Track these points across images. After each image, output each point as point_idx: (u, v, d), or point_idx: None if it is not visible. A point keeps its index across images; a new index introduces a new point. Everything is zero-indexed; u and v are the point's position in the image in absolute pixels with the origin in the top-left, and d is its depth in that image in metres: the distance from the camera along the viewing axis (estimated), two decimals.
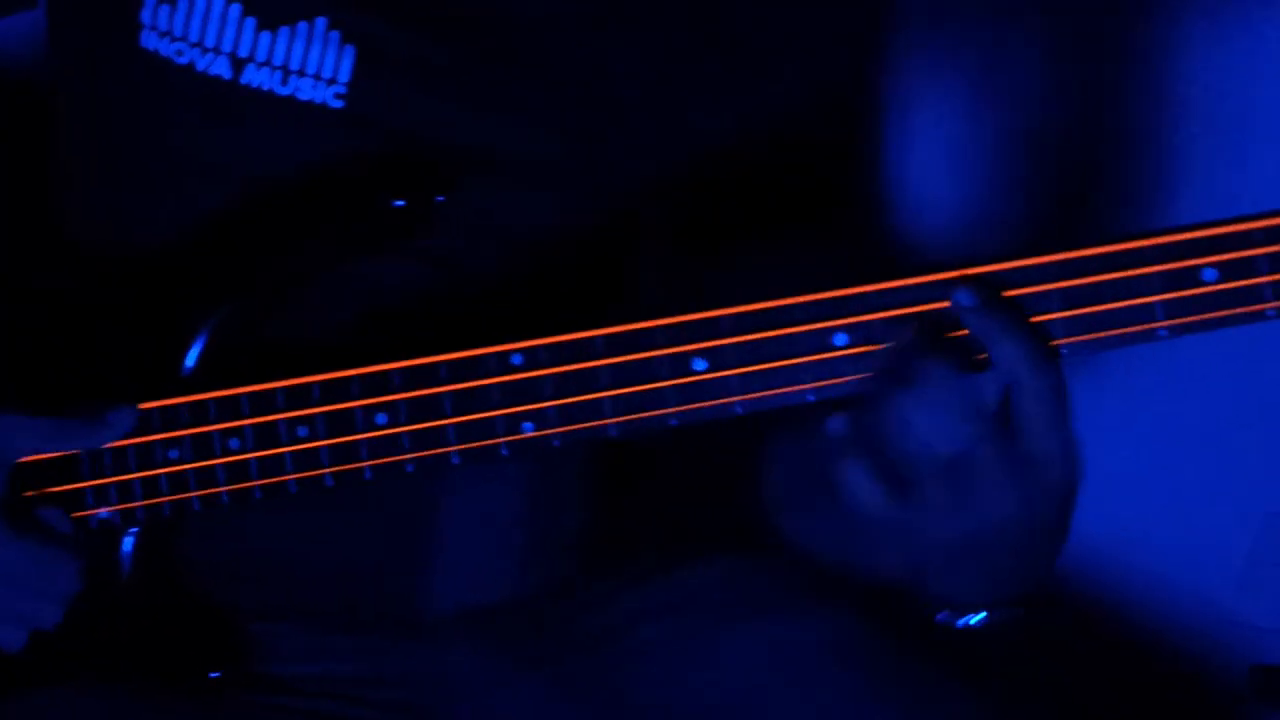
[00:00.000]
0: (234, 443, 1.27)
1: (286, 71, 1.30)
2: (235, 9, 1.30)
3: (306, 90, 1.31)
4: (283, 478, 1.27)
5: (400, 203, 1.29)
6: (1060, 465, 1.16)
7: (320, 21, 1.30)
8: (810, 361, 1.20)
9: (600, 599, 1.43)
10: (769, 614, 1.39)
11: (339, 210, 1.29)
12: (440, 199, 1.29)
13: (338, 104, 1.31)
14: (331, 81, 1.31)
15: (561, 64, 1.33)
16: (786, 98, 1.36)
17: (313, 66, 1.31)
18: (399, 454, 1.26)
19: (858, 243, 1.44)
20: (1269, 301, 1.13)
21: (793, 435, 1.30)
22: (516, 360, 1.24)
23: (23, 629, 1.28)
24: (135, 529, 1.30)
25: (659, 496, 1.54)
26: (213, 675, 1.32)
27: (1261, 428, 1.85)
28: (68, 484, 1.29)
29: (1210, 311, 1.14)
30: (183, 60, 1.31)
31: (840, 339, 1.20)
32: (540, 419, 1.24)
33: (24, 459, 1.27)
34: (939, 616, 1.26)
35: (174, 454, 1.28)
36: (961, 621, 1.26)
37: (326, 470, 1.27)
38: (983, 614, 1.25)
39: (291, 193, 1.30)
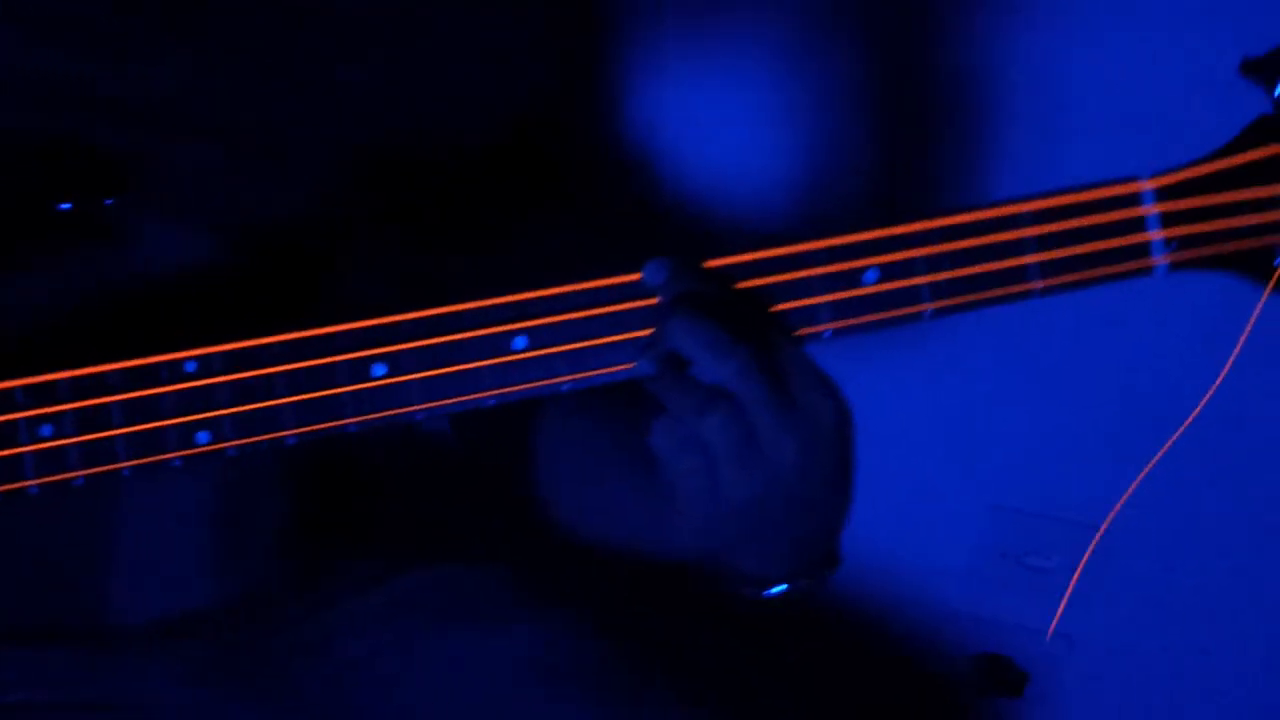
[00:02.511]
0: None
1: None
2: None
3: None
4: None
5: (67, 206, 1.22)
6: (824, 413, 1.14)
7: None
8: (489, 365, 1.16)
9: (311, 608, 1.38)
10: (479, 624, 1.36)
11: None
12: (109, 201, 1.23)
13: None
14: None
15: (236, 39, 1.27)
16: (488, 75, 1.33)
17: None
18: (65, 470, 1.19)
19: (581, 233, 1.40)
20: (927, 303, 1.12)
21: (574, 415, 1.27)
22: (190, 367, 1.18)
23: None
24: None
25: (370, 490, 1.49)
26: None
27: (986, 421, 1.85)
28: None
29: (872, 313, 1.13)
30: None
31: (519, 342, 1.16)
32: (216, 429, 1.19)
33: None
34: (739, 591, 1.24)
35: None
36: (762, 594, 1.24)
37: None
38: (782, 586, 1.23)
39: None
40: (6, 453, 1.19)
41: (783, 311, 1.13)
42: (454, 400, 1.17)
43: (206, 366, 1.18)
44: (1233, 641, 1.90)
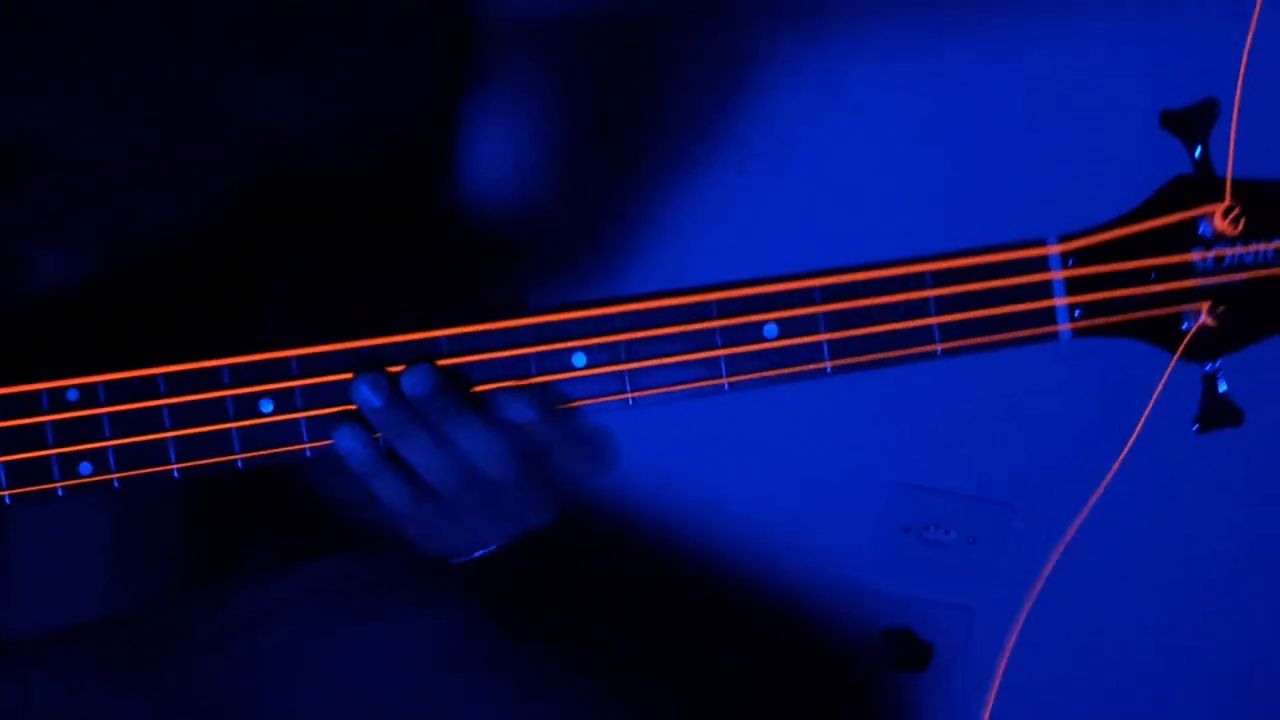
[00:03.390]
0: None
1: None
2: None
3: None
4: None
5: None
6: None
7: None
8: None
9: (211, 603, 1.36)
10: (381, 614, 1.34)
11: None
12: None
13: None
14: None
15: (123, 61, 1.23)
16: (363, 99, 1.29)
17: None
18: None
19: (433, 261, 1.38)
20: (824, 361, 1.11)
21: None
22: (72, 396, 1.15)
23: None
24: None
25: (262, 484, 1.47)
26: None
27: (890, 398, 1.84)
28: None
29: (771, 369, 1.11)
30: None
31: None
32: (98, 460, 1.16)
33: None
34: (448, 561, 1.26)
35: None
36: (464, 559, 1.25)
37: None
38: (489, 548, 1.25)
39: None
40: None
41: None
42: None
43: (90, 396, 1.15)
44: (1138, 612, 1.91)
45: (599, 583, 1.78)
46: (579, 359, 1.13)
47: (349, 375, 1.13)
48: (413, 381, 1.12)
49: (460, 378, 1.13)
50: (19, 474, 1.16)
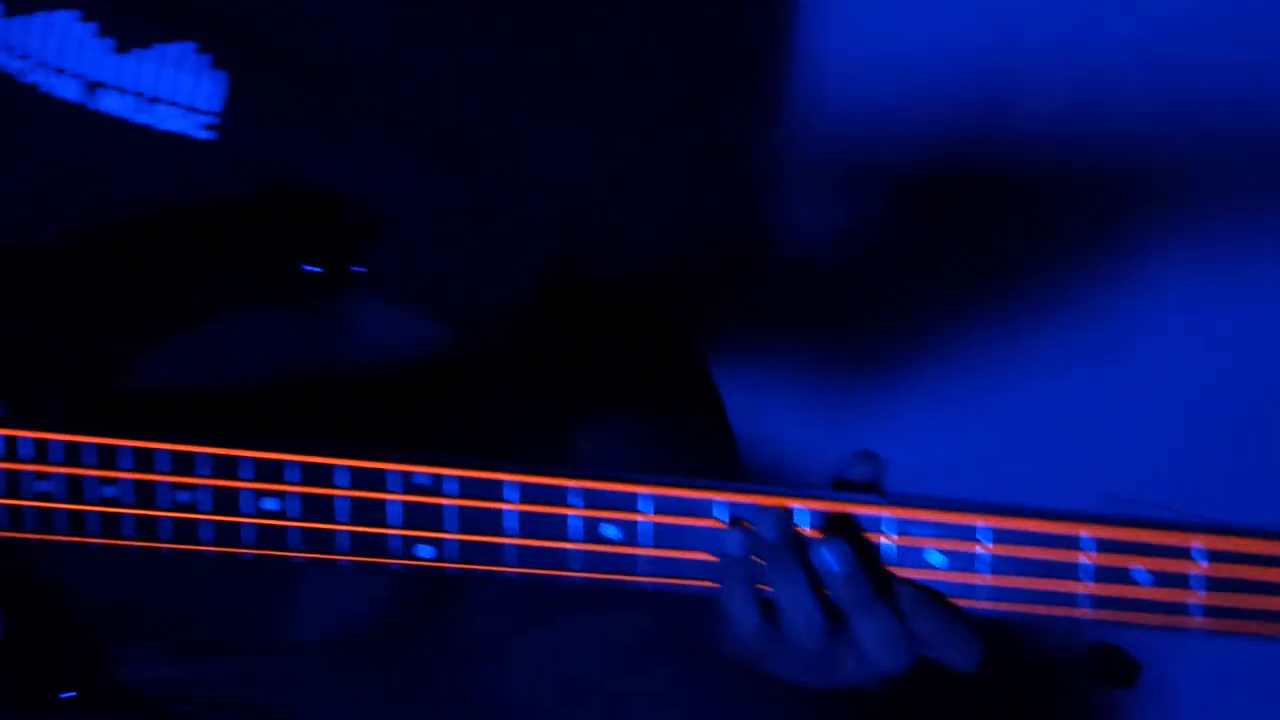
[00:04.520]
0: (109, 491, 1.19)
1: (146, 99, 1.17)
2: (91, 28, 1.15)
3: (167, 119, 1.17)
4: (158, 544, 1.19)
5: (313, 269, 1.17)
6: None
7: (189, 46, 1.16)
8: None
9: (440, 597, 1.37)
10: (604, 605, 1.33)
11: (232, 261, 1.17)
12: (360, 270, 1.17)
13: (205, 135, 1.18)
14: (199, 111, 1.17)
15: (446, 103, 1.20)
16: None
17: (177, 94, 1.17)
18: (286, 549, 1.17)
19: None
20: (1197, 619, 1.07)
21: None
22: (421, 480, 1.15)
23: None
24: None
25: None
26: (65, 696, 1.27)
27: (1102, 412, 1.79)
28: None
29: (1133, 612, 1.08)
30: (27, 80, 1.17)
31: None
32: (439, 547, 1.16)
33: None
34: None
35: (44, 487, 1.19)
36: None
37: (205, 547, 1.19)
38: None
39: (168, 233, 1.18)
40: (228, 519, 1.17)
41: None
42: (677, 580, 1.13)
43: (437, 485, 1.15)
44: None
45: None
46: (935, 558, 1.09)
47: (714, 523, 1.11)
48: (833, 556, 1.08)
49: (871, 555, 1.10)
50: (361, 545, 1.17)
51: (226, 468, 1.16)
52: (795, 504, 1.10)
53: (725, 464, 1.30)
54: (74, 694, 1.26)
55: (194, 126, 1.18)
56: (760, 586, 1.10)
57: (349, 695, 1.34)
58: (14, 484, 1.19)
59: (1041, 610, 1.09)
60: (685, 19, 1.24)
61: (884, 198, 1.72)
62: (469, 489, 1.14)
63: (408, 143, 1.20)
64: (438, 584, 1.35)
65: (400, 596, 1.34)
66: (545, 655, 1.32)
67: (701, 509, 1.11)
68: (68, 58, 1.16)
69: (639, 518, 1.12)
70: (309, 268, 1.17)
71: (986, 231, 1.75)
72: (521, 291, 1.27)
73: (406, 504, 1.15)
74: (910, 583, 1.08)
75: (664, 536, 1.12)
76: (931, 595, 1.08)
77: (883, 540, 1.09)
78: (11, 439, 1.18)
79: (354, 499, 1.16)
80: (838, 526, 1.08)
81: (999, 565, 1.09)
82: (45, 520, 1.19)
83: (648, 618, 1.31)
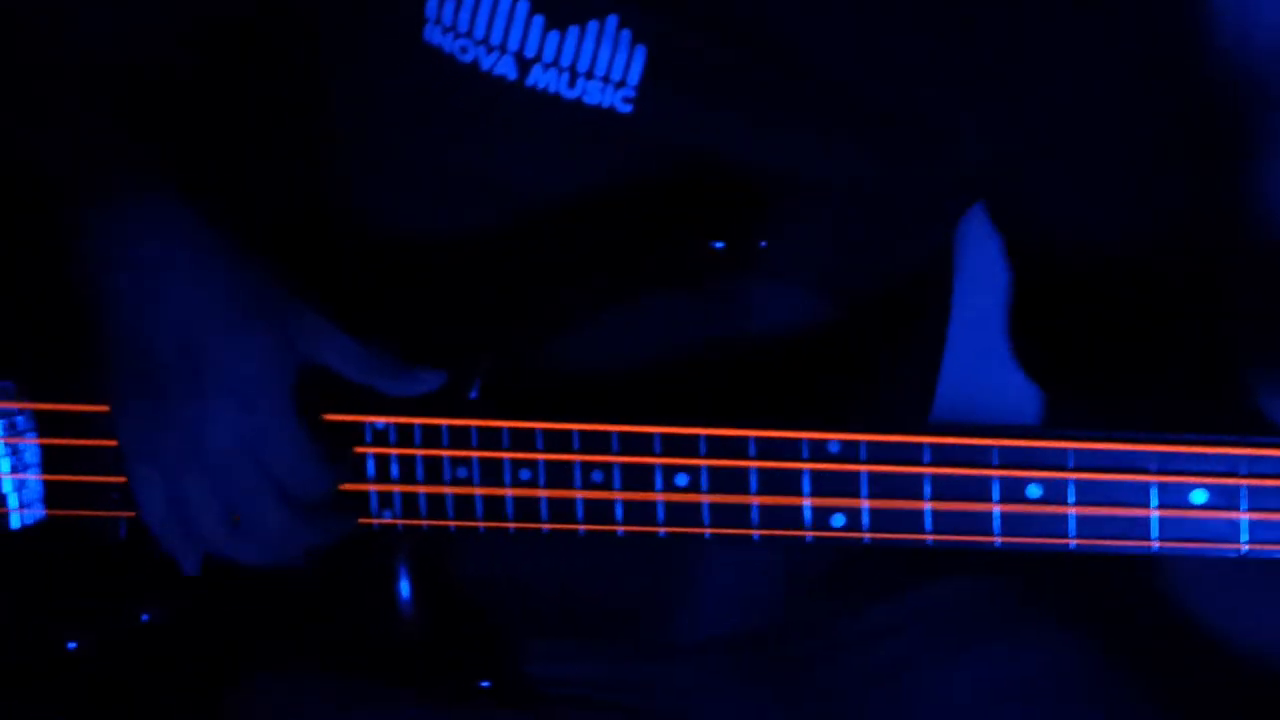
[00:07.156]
0: (525, 474, 1.18)
1: (574, 73, 1.18)
2: (523, 6, 1.17)
3: (594, 93, 1.18)
4: (573, 525, 1.18)
5: (720, 244, 1.15)
6: None
7: (611, 19, 1.17)
8: (1168, 516, 1.06)
9: (846, 611, 1.33)
10: (995, 636, 1.29)
11: (641, 240, 1.17)
12: (764, 244, 1.15)
13: (625, 109, 1.18)
14: (620, 84, 1.18)
15: (861, 79, 1.18)
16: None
17: (602, 68, 1.18)
18: (697, 525, 1.15)
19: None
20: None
21: None
22: (833, 448, 1.12)
23: (219, 526, 1.17)
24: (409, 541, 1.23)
25: None
26: (483, 685, 1.26)
27: None
28: (356, 484, 1.22)
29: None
30: (467, 58, 1.18)
31: (1199, 496, 1.05)
32: (852, 516, 1.12)
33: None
34: None
35: (462, 473, 1.20)
36: None
37: (619, 526, 1.17)
38: None
39: (582, 214, 1.18)
40: (641, 495, 1.16)
41: None
42: (1113, 542, 1.07)
43: (850, 451, 1.11)
44: None
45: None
46: (1199, 496, 1.05)
47: (1132, 476, 1.05)
48: None
49: None
50: (773, 517, 1.14)
51: (639, 444, 1.15)
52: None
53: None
54: (489, 684, 1.26)
55: (619, 100, 1.18)
56: None
57: (745, 709, 1.31)
58: (433, 471, 1.20)
59: None
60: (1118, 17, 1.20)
61: None
62: (882, 453, 1.11)
63: (819, 120, 1.18)
64: (832, 580, 1.33)
65: (798, 589, 1.31)
66: (941, 690, 1.28)
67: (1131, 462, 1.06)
68: (504, 35, 1.18)
69: (1067, 475, 1.07)
70: (717, 244, 1.15)
71: None
72: (913, 276, 1.25)
73: (818, 472, 1.12)
74: None
75: (1091, 493, 1.07)
76: None
77: None
78: (428, 427, 1.20)
79: (764, 470, 1.13)
80: None
81: None
82: (464, 507, 1.20)
83: (1050, 656, 1.27)
